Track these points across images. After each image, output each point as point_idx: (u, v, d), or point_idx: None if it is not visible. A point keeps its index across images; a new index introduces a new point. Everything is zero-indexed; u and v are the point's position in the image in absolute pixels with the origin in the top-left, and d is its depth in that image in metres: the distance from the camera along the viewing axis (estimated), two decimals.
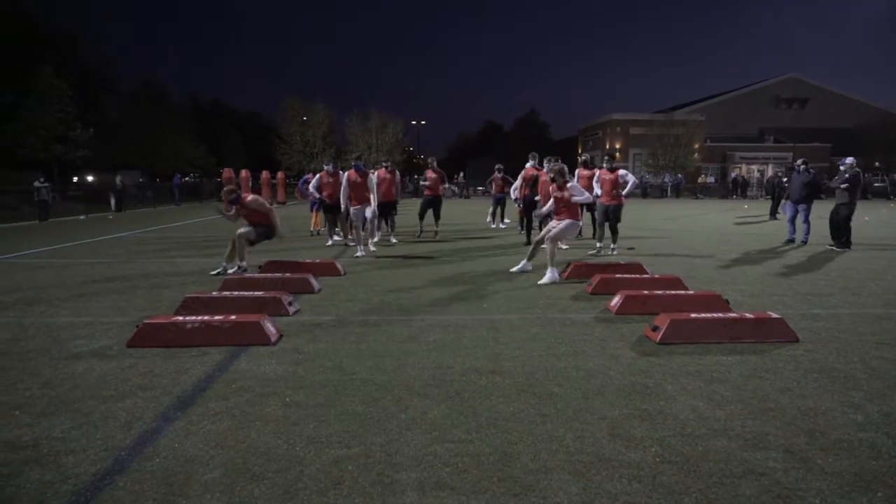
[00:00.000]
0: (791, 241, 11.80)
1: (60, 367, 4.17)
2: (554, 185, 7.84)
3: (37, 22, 41.33)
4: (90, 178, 24.47)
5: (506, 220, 16.13)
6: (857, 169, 11.06)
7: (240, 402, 3.50)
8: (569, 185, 7.68)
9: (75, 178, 39.35)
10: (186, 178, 42.94)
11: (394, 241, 11.84)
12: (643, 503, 2.42)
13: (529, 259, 8.06)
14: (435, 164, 13.41)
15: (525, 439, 3.00)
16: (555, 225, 7.75)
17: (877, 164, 49.10)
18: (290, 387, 3.76)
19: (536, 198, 10.60)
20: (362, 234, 10.04)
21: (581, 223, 7.71)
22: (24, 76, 33.46)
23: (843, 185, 10.83)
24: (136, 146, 42.83)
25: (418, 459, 2.80)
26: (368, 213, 10.04)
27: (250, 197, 8.07)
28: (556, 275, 7.38)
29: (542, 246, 7.81)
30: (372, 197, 9.97)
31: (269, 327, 4.81)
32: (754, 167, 52.64)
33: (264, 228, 8.06)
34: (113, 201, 25.22)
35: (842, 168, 11.14)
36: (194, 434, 3.08)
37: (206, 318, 4.81)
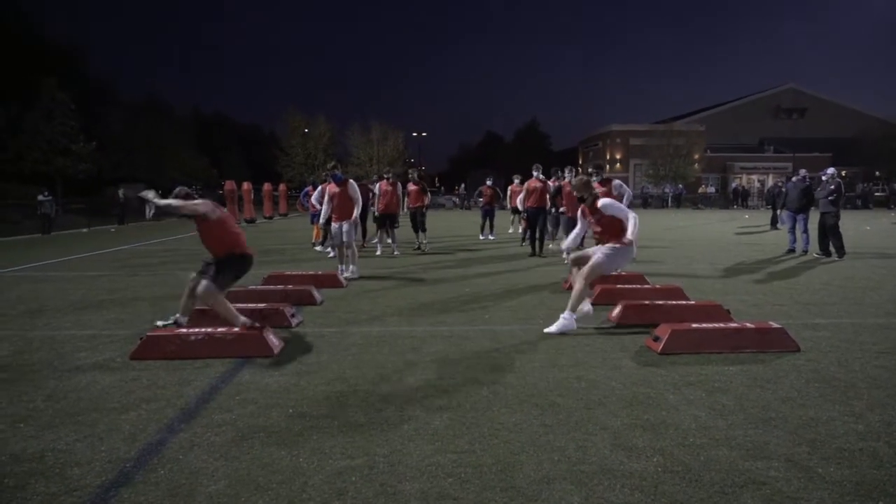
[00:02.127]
0: (792, 250, 11.82)
1: (64, 380, 4.19)
2: (583, 206, 5.89)
3: (42, 35, 41.64)
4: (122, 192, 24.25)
5: (511, 231, 16.17)
6: (839, 179, 11.37)
7: (243, 414, 3.52)
8: (599, 203, 5.69)
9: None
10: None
11: (396, 253, 11.91)
12: None
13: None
14: (416, 177, 13.92)
15: (527, 449, 3.01)
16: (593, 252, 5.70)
17: (877, 173, 49.25)
18: (294, 398, 3.78)
19: (562, 209, 10.59)
20: (346, 252, 8.87)
21: (633, 251, 5.71)
22: (27, 89, 33.69)
23: (830, 197, 10.99)
24: (137, 158, 43.03)
25: (421, 470, 2.81)
26: (346, 228, 8.67)
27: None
28: (572, 322, 5.45)
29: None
30: (355, 208, 8.69)
31: (272, 339, 4.83)
32: (755, 177, 52.83)
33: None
34: (147, 211, 25.24)
35: (824, 179, 11.40)
36: (198, 446, 3.09)
37: (209, 329, 4.84)
